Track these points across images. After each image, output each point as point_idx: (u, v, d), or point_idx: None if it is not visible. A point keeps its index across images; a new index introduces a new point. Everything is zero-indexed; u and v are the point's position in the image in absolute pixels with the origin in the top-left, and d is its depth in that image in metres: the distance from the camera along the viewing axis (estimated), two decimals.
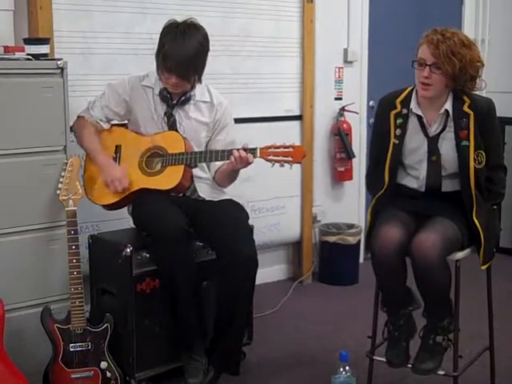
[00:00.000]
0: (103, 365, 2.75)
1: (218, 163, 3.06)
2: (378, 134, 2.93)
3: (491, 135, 2.79)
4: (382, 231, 2.70)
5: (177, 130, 3.03)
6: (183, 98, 3.03)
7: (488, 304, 3.01)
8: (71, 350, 2.71)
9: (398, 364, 2.81)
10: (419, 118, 2.80)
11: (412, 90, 2.83)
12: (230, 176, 3.06)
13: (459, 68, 2.64)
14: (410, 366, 2.78)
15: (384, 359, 2.83)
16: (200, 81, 3.01)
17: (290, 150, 2.80)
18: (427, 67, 2.67)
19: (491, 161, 2.78)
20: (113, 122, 3.13)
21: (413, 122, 2.81)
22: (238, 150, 2.86)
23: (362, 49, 4.63)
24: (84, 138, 3.04)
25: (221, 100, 3.13)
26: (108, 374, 2.75)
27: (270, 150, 2.81)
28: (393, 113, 2.82)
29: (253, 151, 2.84)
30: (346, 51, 4.54)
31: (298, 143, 2.88)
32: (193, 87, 3.03)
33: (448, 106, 2.75)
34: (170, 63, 2.86)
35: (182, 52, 2.85)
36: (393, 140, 2.82)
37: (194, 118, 3.07)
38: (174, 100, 3.03)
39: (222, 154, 2.91)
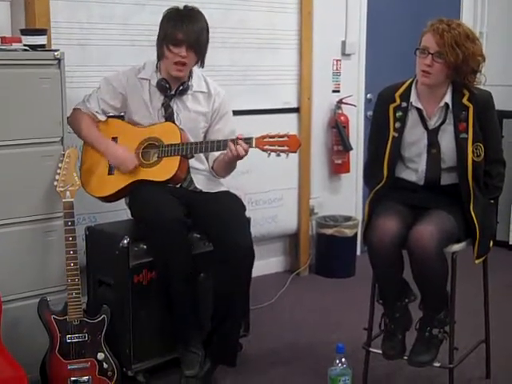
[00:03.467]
0: (100, 356, 2.75)
1: (216, 153, 3.06)
2: (376, 127, 2.93)
3: (490, 128, 2.79)
4: (379, 223, 2.71)
5: (174, 121, 3.03)
6: (181, 87, 3.03)
7: (484, 297, 3.02)
8: (68, 341, 2.71)
9: (393, 356, 2.82)
10: (419, 111, 2.80)
11: (411, 82, 2.82)
12: (228, 166, 3.06)
13: (462, 59, 2.64)
14: (405, 357, 2.80)
15: (380, 351, 2.85)
16: (203, 65, 3.02)
17: (285, 139, 2.80)
18: (430, 55, 2.67)
19: (490, 154, 2.78)
20: (109, 115, 3.12)
21: (413, 115, 2.81)
22: (233, 140, 2.85)
23: (360, 41, 4.63)
24: (82, 129, 3.04)
25: (218, 90, 3.13)
26: (105, 366, 2.75)
27: (265, 139, 2.81)
28: (392, 106, 2.82)
29: (248, 141, 2.84)
30: (343, 44, 4.53)
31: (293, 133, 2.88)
32: (190, 76, 3.05)
33: (448, 98, 2.75)
34: (180, 33, 2.88)
35: (192, 23, 2.91)
36: (392, 133, 2.82)
37: (192, 109, 3.07)
38: (172, 90, 3.03)
39: (217, 144, 2.91)
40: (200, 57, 3.00)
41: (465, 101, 2.74)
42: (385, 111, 2.84)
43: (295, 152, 2.83)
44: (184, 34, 2.89)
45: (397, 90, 2.84)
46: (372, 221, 2.78)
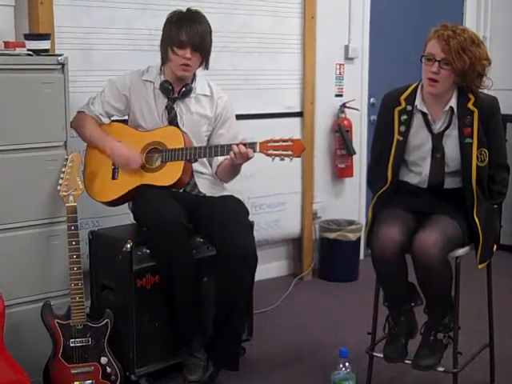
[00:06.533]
0: (103, 360, 2.75)
1: (220, 158, 3.06)
2: (381, 130, 2.92)
3: (495, 134, 2.78)
4: (382, 231, 2.70)
5: (177, 124, 3.03)
6: (184, 89, 3.03)
7: (488, 301, 3.01)
8: (71, 345, 2.71)
9: (394, 359, 2.81)
10: (424, 114, 2.79)
11: (416, 86, 2.81)
12: (232, 171, 3.07)
13: (469, 65, 2.63)
14: (407, 361, 2.79)
15: None
16: (207, 66, 3.03)
17: (289, 143, 2.79)
18: (436, 63, 2.66)
19: (494, 160, 2.77)
20: (113, 118, 3.13)
21: (417, 119, 2.80)
22: (237, 144, 2.85)
23: (363, 45, 4.63)
24: (86, 130, 3.04)
25: (221, 94, 3.14)
26: (108, 370, 2.76)
27: (269, 144, 2.81)
28: (397, 109, 2.81)
29: (252, 146, 2.84)
30: (346, 48, 4.54)
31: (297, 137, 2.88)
32: (194, 79, 3.06)
33: (453, 103, 2.75)
34: (184, 35, 2.89)
35: (195, 25, 2.92)
36: (397, 137, 2.81)
37: (195, 112, 3.07)
38: (175, 93, 3.03)
39: (221, 149, 2.90)
40: (204, 58, 3.00)
41: (470, 105, 2.73)
42: (389, 114, 2.83)
43: (299, 157, 2.82)
44: (188, 36, 2.89)
45: (402, 93, 2.83)
46: (375, 228, 2.77)
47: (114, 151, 2.99)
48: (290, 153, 2.79)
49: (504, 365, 3.14)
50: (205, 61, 3.02)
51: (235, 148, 2.84)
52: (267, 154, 2.81)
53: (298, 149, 2.79)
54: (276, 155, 2.80)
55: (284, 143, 2.79)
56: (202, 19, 2.98)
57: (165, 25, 2.99)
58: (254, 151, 2.83)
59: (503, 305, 3.44)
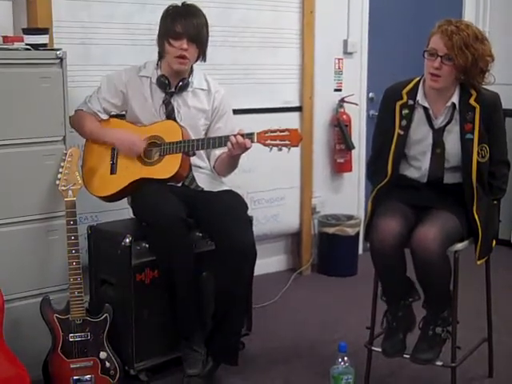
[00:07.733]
0: (102, 355, 2.75)
1: (218, 152, 3.06)
2: (382, 123, 2.92)
3: (496, 130, 2.78)
4: (381, 224, 2.70)
5: (175, 118, 3.03)
6: (181, 83, 3.03)
7: (487, 295, 3.01)
8: (70, 340, 2.71)
9: (392, 354, 2.81)
10: (425, 109, 2.79)
11: (419, 81, 2.81)
12: (230, 164, 3.06)
13: (471, 61, 2.62)
14: (406, 356, 2.79)
15: None
16: (204, 59, 3.03)
17: (287, 133, 2.79)
18: (438, 58, 2.65)
19: (495, 156, 2.77)
20: (111, 114, 3.13)
21: (419, 114, 2.80)
22: (235, 135, 2.85)
23: (362, 40, 4.63)
24: (85, 127, 3.05)
25: (218, 88, 3.14)
26: (107, 364, 2.76)
27: (267, 134, 2.80)
28: (398, 103, 2.80)
29: (250, 136, 2.84)
30: (345, 42, 4.53)
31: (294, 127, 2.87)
32: (191, 74, 3.06)
33: (455, 98, 2.74)
34: (179, 26, 2.90)
35: (190, 17, 2.93)
36: (397, 131, 2.81)
37: (193, 105, 3.07)
38: (171, 87, 3.03)
39: (219, 140, 2.90)
40: (201, 51, 3.00)
41: (472, 101, 2.72)
42: (391, 108, 2.82)
43: (297, 146, 2.82)
44: (183, 27, 2.90)
45: (404, 87, 2.82)
46: (374, 221, 2.77)
47: (117, 137, 2.99)
48: (287, 142, 2.78)
49: (502, 359, 3.15)
50: (202, 53, 3.02)
51: (233, 139, 2.84)
52: (265, 144, 2.81)
53: (296, 138, 2.79)
54: (274, 145, 2.79)
55: (281, 133, 2.79)
56: (198, 12, 2.99)
57: (161, 19, 3.00)
58: (252, 141, 2.83)
59: (502, 299, 3.44)
